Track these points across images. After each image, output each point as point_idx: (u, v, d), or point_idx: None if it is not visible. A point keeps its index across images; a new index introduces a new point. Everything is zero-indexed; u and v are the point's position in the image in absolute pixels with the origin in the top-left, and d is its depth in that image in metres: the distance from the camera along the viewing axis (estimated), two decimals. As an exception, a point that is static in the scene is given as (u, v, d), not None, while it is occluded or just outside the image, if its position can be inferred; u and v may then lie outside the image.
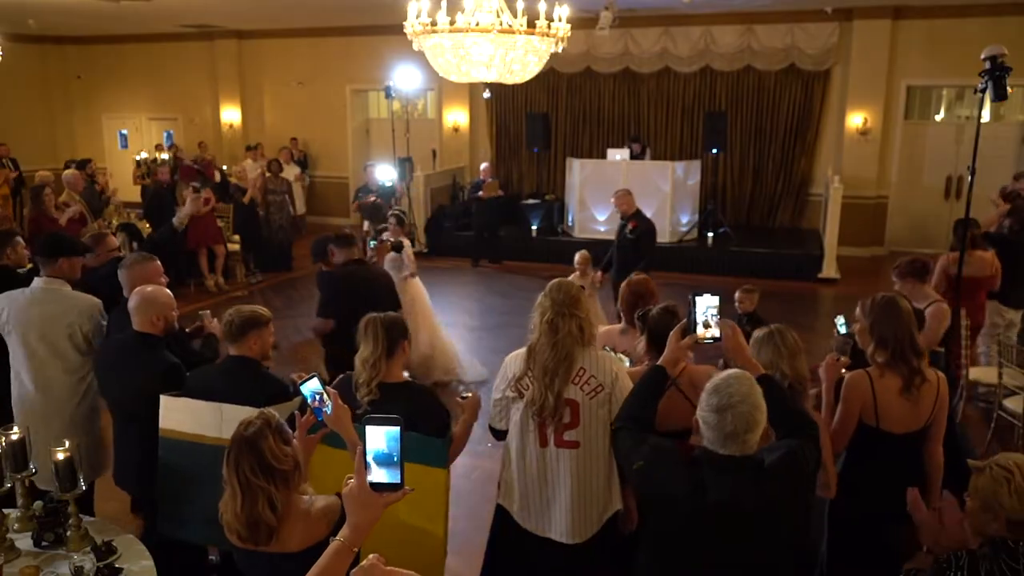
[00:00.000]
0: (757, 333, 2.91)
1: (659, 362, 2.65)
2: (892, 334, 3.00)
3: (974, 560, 2.09)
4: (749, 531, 2.16)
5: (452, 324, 8.77)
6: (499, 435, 3.10)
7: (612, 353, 3.28)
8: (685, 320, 2.67)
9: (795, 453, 2.26)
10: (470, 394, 3.19)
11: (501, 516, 3.13)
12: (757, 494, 2.14)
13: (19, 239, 4.61)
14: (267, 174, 11.09)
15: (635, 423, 2.51)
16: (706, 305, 2.60)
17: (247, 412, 2.90)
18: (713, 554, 2.19)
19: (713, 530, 2.17)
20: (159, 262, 3.96)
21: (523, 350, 2.96)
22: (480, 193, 11.54)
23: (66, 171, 8.93)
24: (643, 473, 2.30)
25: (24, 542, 2.84)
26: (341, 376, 3.22)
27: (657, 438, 2.41)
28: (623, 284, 3.83)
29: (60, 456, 2.81)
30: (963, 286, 5.61)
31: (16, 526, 2.91)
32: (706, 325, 2.60)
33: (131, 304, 3.40)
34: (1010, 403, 5.20)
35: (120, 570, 2.66)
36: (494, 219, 11.63)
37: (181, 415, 3.12)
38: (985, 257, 5.74)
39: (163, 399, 3.15)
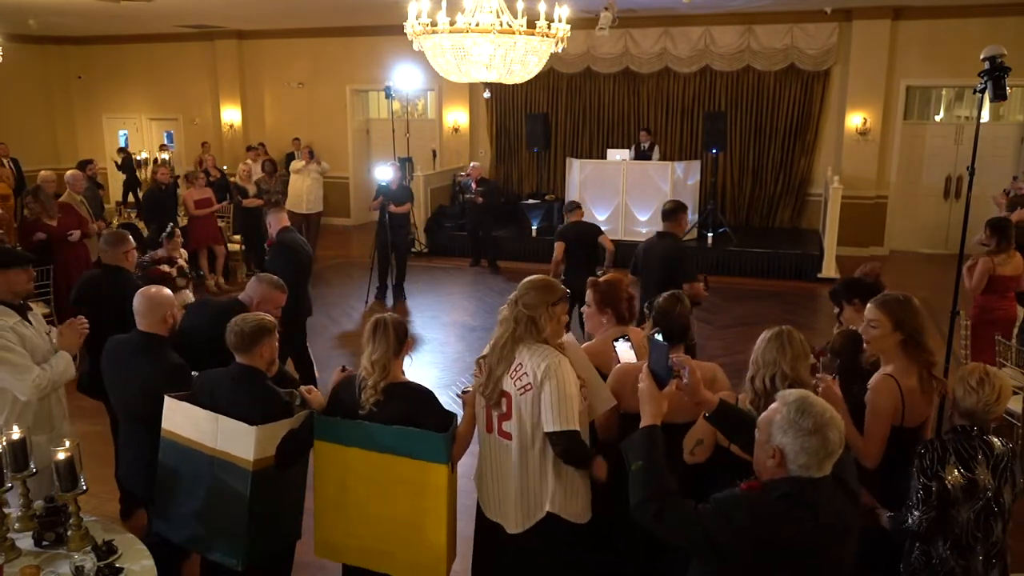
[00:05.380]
0: (765, 333, 2.89)
1: (648, 422, 2.37)
2: (915, 328, 3.02)
3: (938, 443, 2.73)
4: (849, 547, 2.11)
5: (452, 324, 8.79)
6: None
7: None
8: (647, 367, 2.44)
9: (846, 458, 2.20)
10: (470, 388, 3.19)
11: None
12: (856, 507, 2.11)
13: None
14: (261, 173, 11.12)
15: (666, 497, 2.19)
16: (664, 346, 2.45)
17: (243, 428, 2.93)
18: None
19: (825, 555, 2.07)
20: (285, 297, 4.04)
21: None
22: (472, 186, 11.61)
23: (68, 172, 8.86)
24: (742, 535, 2.04)
25: (25, 542, 2.84)
26: (343, 376, 3.23)
27: (719, 495, 2.13)
28: (589, 279, 3.73)
29: (60, 456, 2.81)
30: (1002, 284, 5.68)
31: (17, 526, 2.91)
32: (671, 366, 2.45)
33: (139, 306, 3.39)
34: (1010, 403, 5.20)
35: (120, 570, 2.66)
36: (486, 219, 11.62)
37: (181, 419, 3.14)
38: (1019, 258, 5.79)
39: (167, 400, 3.16)
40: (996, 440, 2.73)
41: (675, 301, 3.20)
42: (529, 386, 2.82)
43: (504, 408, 2.89)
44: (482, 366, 2.98)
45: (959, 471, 2.66)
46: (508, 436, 2.91)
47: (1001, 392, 2.68)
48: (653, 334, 2.50)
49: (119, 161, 14.50)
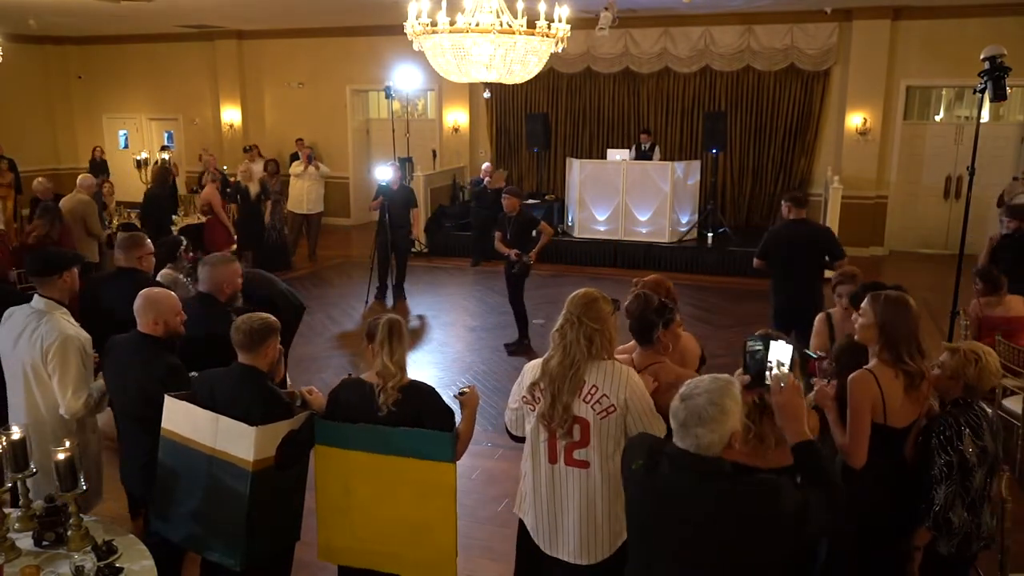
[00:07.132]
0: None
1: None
2: (901, 334, 2.98)
3: (950, 419, 2.91)
4: (705, 535, 2.11)
5: (452, 324, 8.79)
6: (518, 440, 3.02)
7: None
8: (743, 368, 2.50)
9: (782, 489, 2.10)
10: (468, 388, 3.19)
11: (523, 529, 3.05)
12: (714, 497, 2.09)
13: None
14: (264, 173, 11.13)
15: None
16: (777, 353, 2.41)
17: (243, 428, 2.92)
18: (677, 552, 2.17)
19: (668, 520, 2.15)
20: (239, 265, 4.01)
21: (541, 359, 2.88)
22: (485, 182, 11.57)
23: (80, 176, 8.74)
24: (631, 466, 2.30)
25: (25, 542, 2.84)
26: (344, 379, 3.21)
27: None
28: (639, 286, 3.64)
29: (60, 456, 2.81)
30: (1000, 324, 5.37)
31: (17, 525, 2.91)
32: (759, 372, 2.43)
33: (136, 304, 3.39)
34: (1009, 403, 5.20)
35: (120, 570, 2.66)
36: (490, 218, 11.58)
37: (181, 419, 3.13)
38: (1018, 301, 5.53)
39: (167, 399, 3.15)
40: (985, 406, 3.02)
41: (642, 301, 3.13)
42: (612, 408, 2.68)
43: (577, 436, 2.73)
44: (536, 394, 2.80)
45: (972, 441, 2.87)
46: (583, 464, 2.75)
47: (997, 364, 3.01)
48: (767, 337, 2.47)
49: (97, 159, 14.05)
